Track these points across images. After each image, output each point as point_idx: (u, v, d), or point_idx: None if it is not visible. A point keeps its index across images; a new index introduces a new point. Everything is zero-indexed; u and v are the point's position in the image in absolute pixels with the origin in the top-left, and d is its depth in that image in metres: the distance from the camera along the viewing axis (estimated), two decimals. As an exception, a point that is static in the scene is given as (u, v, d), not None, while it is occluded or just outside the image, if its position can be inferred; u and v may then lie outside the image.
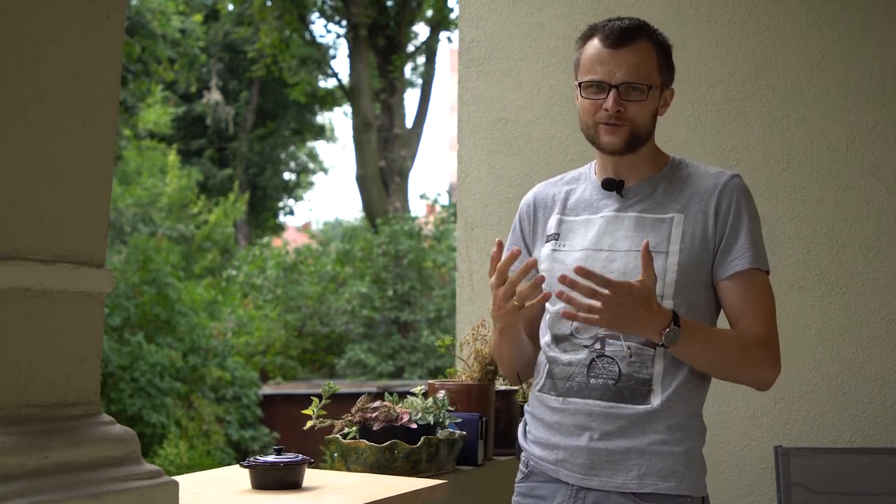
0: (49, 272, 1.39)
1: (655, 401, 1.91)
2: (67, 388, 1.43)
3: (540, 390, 2.04)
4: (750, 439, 3.13)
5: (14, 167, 1.36)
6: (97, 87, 1.47)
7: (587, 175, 2.10)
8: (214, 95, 19.94)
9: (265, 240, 18.92)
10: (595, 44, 1.97)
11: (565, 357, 1.98)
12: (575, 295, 1.80)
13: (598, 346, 1.94)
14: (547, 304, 2.05)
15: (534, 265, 1.93)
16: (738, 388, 3.11)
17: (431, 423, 2.35)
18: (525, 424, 2.10)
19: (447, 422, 2.41)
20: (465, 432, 2.45)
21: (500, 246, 1.92)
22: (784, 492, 2.82)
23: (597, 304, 1.78)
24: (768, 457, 3.04)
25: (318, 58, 18.98)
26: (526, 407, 2.11)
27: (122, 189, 15.30)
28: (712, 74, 3.24)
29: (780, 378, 3.08)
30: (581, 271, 1.78)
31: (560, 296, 1.82)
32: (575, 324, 1.96)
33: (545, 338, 2.05)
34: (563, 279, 1.79)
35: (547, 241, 2.06)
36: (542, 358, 2.06)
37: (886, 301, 3.04)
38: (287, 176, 22.56)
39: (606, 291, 1.78)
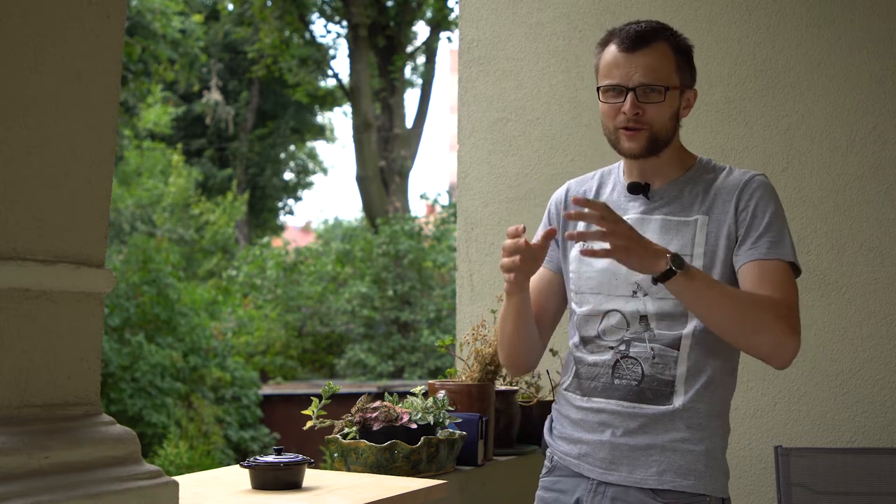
0: (49, 272, 1.39)
1: (677, 401, 1.93)
2: (67, 388, 1.43)
3: (566, 389, 2.08)
4: (750, 439, 3.13)
5: (14, 168, 1.36)
6: (97, 88, 1.47)
7: (616, 176, 2.12)
8: (214, 95, 19.95)
9: (265, 240, 18.92)
10: (612, 49, 1.98)
11: (591, 358, 2.01)
12: (586, 225, 1.84)
13: (623, 347, 1.97)
14: (574, 306, 2.08)
15: (553, 233, 1.94)
16: (738, 389, 3.11)
17: (431, 423, 2.35)
18: (551, 421, 2.13)
19: (447, 422, 2.41)
20: (465, 432, 2.45)
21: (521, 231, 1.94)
22: (784, 492, 2.82)
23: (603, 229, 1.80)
24: (768, 457, 3.04)
25: (318, 58, 18.98)
26: (553, 405, 2.14)
27: (122, 189, 15.31)
28: (712, 74, 3.24)
29: (780, 378, 3.11)
30: (579, 201, 1.80)
31: (573, 237, 1.83)
32: (602, 326, 1.99)
33: (573, 339, 2.08)
34: (568, 215, 1.82)
35: (576, 243, 2.07)
36: (569, 358, 2.09)
37: (886, 301, 3.04)
38: (287, 176, 22.57)
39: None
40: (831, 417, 3.06)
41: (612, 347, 1.98)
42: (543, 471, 2.11)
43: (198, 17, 18.48)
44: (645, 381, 1.94)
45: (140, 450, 1.49)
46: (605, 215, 1.79)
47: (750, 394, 3.14)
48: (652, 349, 1.94)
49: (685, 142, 2.07)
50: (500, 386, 2.77)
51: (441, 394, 2.47)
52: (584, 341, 2.03)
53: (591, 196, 2.10)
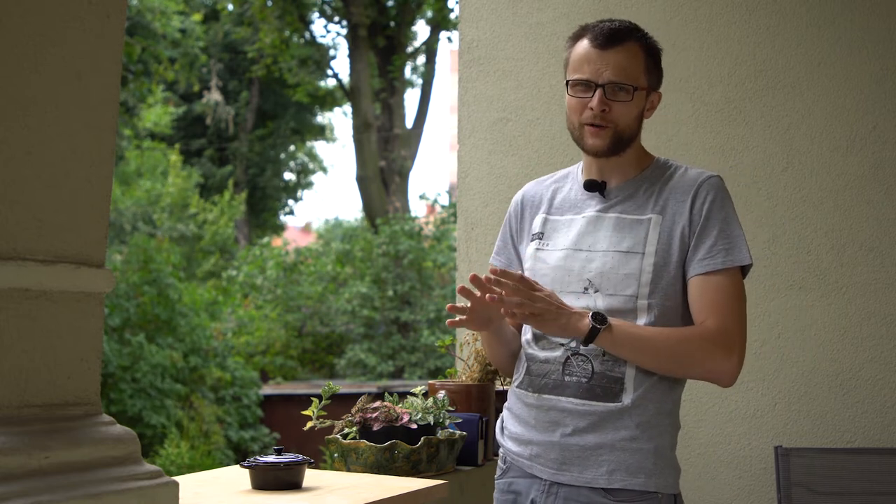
0: (49, 272, 1.39)
1: (626, 399, 1.94)
2: (67, 388, 1.43)
3: (518, 386, 2.08)
4: (750, 439, 3.13)
5: (14, 168, 1.36)
6: (97, 89, 1.47)
7: (575, 175, 2.15)
8: (214, 95, 19.94)
9: (265, 240, 18.92)
10: (584, 44, 2.00)
11: (542, 354, 2.02)
12: (504, 295, 1.88)
13: (573, 344, 1.97)
14: None
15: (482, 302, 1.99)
16: (738, 389, 3.12)
17: (431, 423, 2.35)
18: (502, 420, 2.12)
19: (447, 422, 2.41)
20: (465, 432, 2.45)
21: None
22: (784, 492, 2.82)
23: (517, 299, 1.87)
24: (768, 457, 3.04)
25: (318, 58, 18.98)
26: (505, 404, 2.14)
27: (122, 190, 15.31)
28: (712, 74, 3.24)
29: (780, 378, 3.11)
30: (496, 272, 1.87)
31: (494, 301, 1.89)
32: None
33: (526, 336, 2.09)
34: (492, 294, 1.88)
35: (532, 241, 2.11)
36: (522, 355, 2.10)
37: (886, 301, 3.04)
38: (287, 176, 22.57)
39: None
40: (831, 417, 3.06)
41: (562, 344, 1.99)
42: (498, 472, 2.11)
43: (197, 16, 18.46)
44: (595, 378, 1.95)
45: (140, 450, 1.49)
46: (519, 286, 1.86)
47: (750, 394, 3.14)
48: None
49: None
50: (500, 386, 2.77)
51: (441, 394, 2.47)
52: (536, 338, 2.04)
53: (543, 205, 2.13)
